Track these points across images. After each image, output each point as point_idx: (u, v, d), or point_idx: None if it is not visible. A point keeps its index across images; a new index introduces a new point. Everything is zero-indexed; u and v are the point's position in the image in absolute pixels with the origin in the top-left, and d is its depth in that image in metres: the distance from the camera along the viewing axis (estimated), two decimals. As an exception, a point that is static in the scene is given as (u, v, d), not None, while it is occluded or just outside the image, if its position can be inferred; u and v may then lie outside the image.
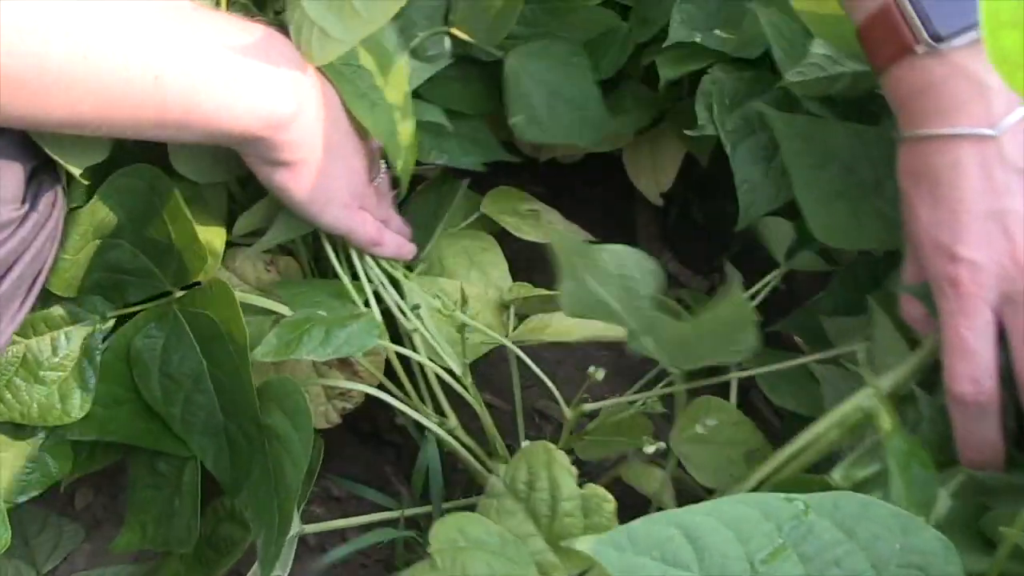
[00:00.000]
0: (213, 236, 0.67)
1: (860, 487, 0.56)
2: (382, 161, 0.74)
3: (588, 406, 0.74)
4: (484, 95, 0.84)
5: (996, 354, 0.51)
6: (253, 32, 0.58)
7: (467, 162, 0.84)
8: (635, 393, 0.81)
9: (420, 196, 0.89)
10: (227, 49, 0.55)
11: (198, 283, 0.67)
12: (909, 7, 0.53)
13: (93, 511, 0.88)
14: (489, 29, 0.78)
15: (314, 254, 0.80)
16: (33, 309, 0.60)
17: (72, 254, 0.64)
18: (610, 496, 0.61)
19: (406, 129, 0.69)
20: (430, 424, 0.74)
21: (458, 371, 0.75)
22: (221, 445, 0.67)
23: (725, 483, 0.70)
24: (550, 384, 0.75)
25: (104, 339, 0.67)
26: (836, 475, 0.57)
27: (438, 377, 0.75)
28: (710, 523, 0.39)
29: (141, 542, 0.72)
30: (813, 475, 0.58)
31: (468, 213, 0.89)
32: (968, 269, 0.51)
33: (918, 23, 0.52)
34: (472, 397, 0.76)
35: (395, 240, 0.75)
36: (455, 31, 0.79)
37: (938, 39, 0.52)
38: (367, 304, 0.73)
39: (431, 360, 0.75)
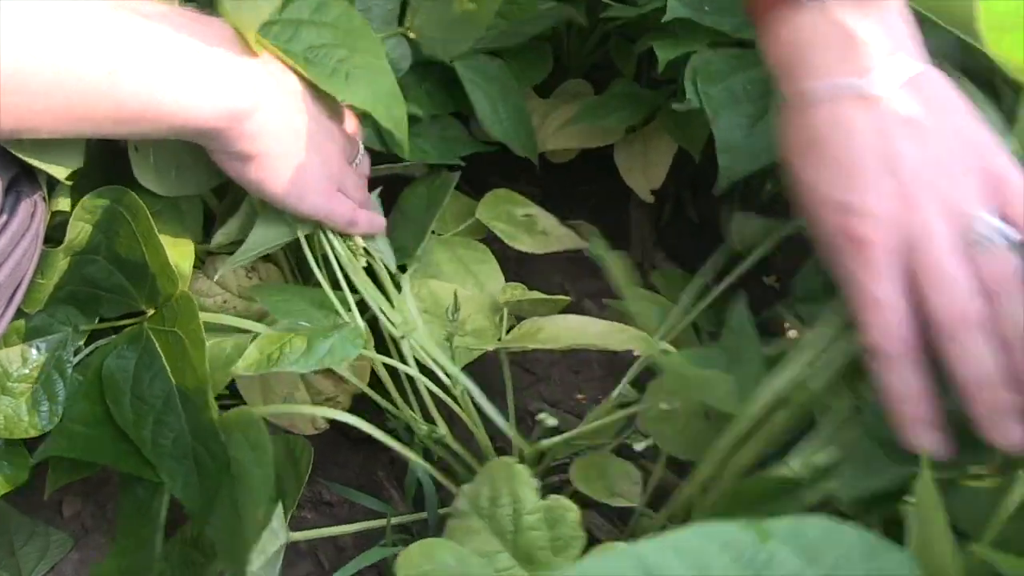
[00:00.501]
0: (181, 256, 0.64)
1: (820, 474, 0.54)
2: (360, 143, 0.72)
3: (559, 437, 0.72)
4: (448, 96, 0.83)
5: (907, 301, 0.48)
6: (207, 24, 0.56)
7: (443, 159, 0.83)
8: (621, 392, 0.78)
9: (412, 192, 0.86)
10: (182, 41, 0.53)
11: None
12: None
13: (81, 520, 0.85)
14: (448, 35, 0.78)
15: (297, 260, 0.78)
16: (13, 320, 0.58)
17: (46, 279, 0.62)
18: (573, 506, 0.60)
19: (389, 88, 0.67)
20: (393, 447, 0.72)
21: (448, 381, 0.73)
22: (190, 469, 0.65)
23: (696, 452, 0.67)
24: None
25: (76, 352, 0.64)
26: (794, 464, 0.55)
27: (426, 387, 0.72)
28: (667, 558, 0.37)
29: (119, 571, 0.70)
30: (769, 473, 0.56)
31: (463, 218, 0.88)
32: (861, 219, 0.49)
33: None
34: (463, 407, 0.74)
35: (367, 216, 0.72)
36: (411, 34, 0.78)
37: None
38: (351, 312, 0.70)
39: (420, 371, 0.72)
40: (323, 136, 0.65)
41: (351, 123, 0.71)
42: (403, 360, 0.72)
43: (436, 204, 0.83)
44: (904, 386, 0.48)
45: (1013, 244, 0.47)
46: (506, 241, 0.85)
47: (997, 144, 0.50)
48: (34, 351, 0.62)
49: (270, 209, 0.66)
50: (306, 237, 0.69)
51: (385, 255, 0.76)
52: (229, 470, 0.63)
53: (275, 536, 0.64)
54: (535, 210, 0.88)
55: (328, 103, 0.66)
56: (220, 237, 0.69)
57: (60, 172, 0.55)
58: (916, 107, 0.49)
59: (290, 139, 0.60)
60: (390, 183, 0.80)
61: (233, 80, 0.56)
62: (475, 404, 0.72)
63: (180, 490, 0.65)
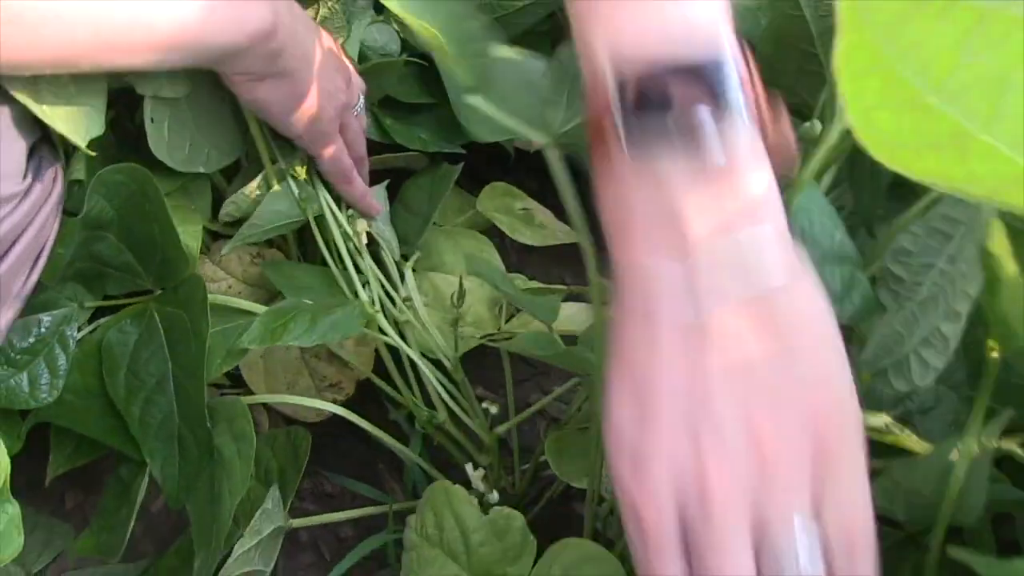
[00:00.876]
0: (190, 237, 0.65)
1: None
2: (361, 96, 0.72)
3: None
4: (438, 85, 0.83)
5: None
6: None
7: (441, 148, 0.83)
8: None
9: (414, 183, 0.87)
10: None
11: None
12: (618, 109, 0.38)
13: (84, 511, 0.85)
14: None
15: (302, 248, 0.78)
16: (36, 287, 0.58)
17: (64, 249, 0.62)
18: (516, 513, 0.60)
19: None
20: (387, 442, 0.72)
21: (449, 365, 0.73)
22: (172, 451, 0.65)
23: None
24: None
25: (80, 328, 0.64)
26: None
27: (428, 371, 0.72)
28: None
29: (95, 548, 0.70)
30: None
31: (463, 210, 0.88)
32: (651, 497, 0.37)
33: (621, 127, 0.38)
34: (464, 394, 0.74)
35: (364, 187, 0.72)
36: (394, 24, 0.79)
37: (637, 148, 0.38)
38: (356, 294, 0.70)
39: (422, 354, 0.72)
40: (331, 66, 0.66)
41: (354, 76, 0.72)
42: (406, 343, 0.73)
43: (438, 195, 0.84)
44: None
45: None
46: (507, 232, 0.86)
47: (846, 406, 0.37)
48: (38, 323, 0.62)
49: (281, 186, 0.66)
50: (315, 219, 0.69)
51: (390, 242, 0.76)
52: (212, 458, 0.63)
53: (270, 517, 0.63)
54: (532, 204, 0.89)
55: (332, 41, 0.67)
56: (229, 207, 0.69)
57: (80, 139, 0.55)
58: (747, 336, 0.37)
59: (303, 61, 0.62)
60: (391, 177, 0.81)
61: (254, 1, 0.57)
62: (476, 393, 0.73)
63: (160, 470, 0.65)
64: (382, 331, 0.69)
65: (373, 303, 0.70)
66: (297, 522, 0.70)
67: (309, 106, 0.63)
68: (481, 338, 0.79)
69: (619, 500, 0.39)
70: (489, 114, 0.47)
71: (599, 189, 0.41)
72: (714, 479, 0.36)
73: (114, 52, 0.51)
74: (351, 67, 0.71)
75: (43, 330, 0.62)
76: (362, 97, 0.72)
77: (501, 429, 0.73)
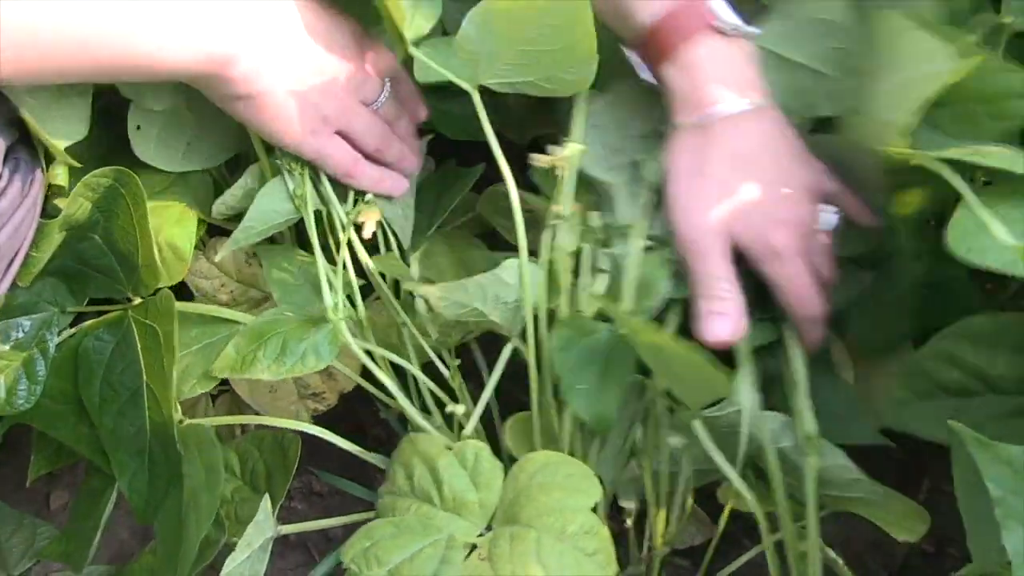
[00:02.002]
0: (183, 236, 0.63)
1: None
2: (386, 81, 0.67)
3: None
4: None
5: None
6: None
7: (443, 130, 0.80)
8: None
9: (423, 185, 0.84)
10: None
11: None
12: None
13: (68, 512, 0.84)
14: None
15: (301, 243, 0.76)
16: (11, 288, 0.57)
17: (40, 252, 0.60)
18: (481, 443, 0.61)
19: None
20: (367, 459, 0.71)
21: (446, 371, 0.71)
22: (141, 466, 0.64)
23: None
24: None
25: (60, 332, 0.63)
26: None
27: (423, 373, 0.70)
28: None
29: (62, 555, 0.69)
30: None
31: (463, 211, 0.86)
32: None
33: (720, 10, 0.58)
34: (461, 398, 0.72)
35: (372, 174, 0.67)
36: None
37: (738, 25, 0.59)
38: (351, 299, 0.67)
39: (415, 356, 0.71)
40: (332, 71, 0.61)
41: (381, 60, 0.66)
42: (403, 345, 0.70)
43: (448, 199, 0.80)
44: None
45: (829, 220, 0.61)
46: (506, 237, 0.84)
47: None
48: (18, 328, 0.61)
49: (274, 181, 0.64)
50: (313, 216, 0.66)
51: (401, 228, 0.73)
52: (180, 478, 0.62)
53: (261, 530, 0.62)
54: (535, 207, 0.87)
55: (342, 38, 0.62)
56: (221, 207, 0.66)
57: (59, 143, 0.55)
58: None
59: (289, 78, 0.59)
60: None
61: (214, 26, 0.54)
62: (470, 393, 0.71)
63: (127, 484, 0.64)
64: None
65: (357, 308, 0.67)
66: (286, 528, 0.68)
67: (298, 126, 0.61)
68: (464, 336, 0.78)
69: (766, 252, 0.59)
70: (429, 63, 0.58)
71: (688, 65, 0.59)
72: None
73: (61, 72, 0.51)
74: (379, 58, 0.66)
75: (22, 334, 0.61)
76: (387, 87, 0.67)
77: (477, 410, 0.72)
